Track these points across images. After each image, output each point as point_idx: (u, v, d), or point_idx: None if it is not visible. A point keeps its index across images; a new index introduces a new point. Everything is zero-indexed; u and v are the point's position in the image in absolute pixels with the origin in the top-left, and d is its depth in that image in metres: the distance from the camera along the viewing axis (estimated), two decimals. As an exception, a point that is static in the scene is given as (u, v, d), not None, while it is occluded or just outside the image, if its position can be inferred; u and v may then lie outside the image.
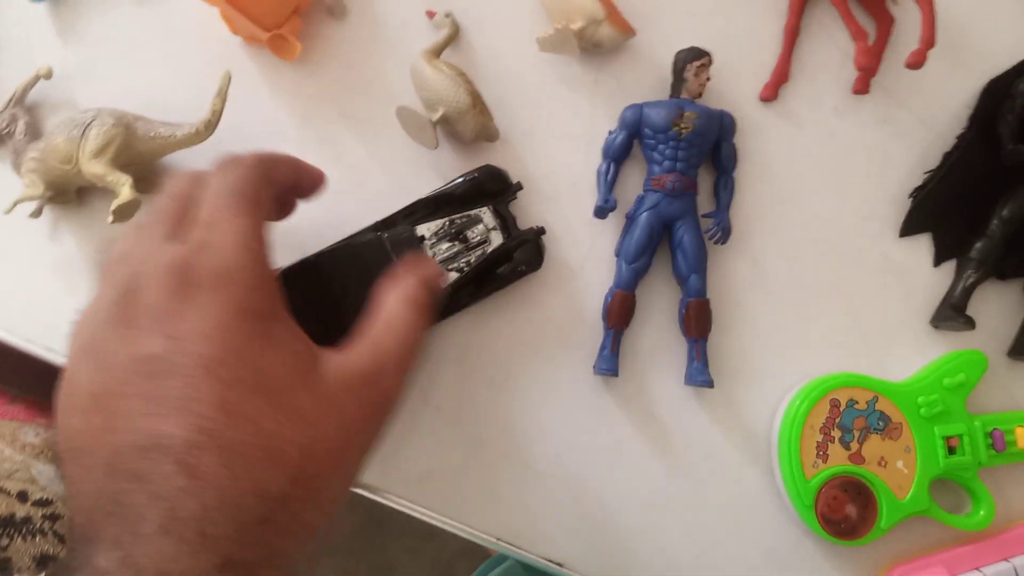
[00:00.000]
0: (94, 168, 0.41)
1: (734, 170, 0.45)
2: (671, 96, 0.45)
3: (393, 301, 0.34)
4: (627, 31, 0.45)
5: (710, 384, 0.43)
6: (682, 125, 0.43)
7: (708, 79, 0.44)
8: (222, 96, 0.41)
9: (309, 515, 0.27)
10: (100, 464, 0.25)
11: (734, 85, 0.47)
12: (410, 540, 1.32)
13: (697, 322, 0.44)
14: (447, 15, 0.45)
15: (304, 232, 0.43)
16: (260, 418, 0.26)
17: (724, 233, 0.44)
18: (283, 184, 0.36)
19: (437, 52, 0.44)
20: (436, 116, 0.42)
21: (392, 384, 0.32)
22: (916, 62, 0.43)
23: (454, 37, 0.45)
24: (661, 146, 0.44)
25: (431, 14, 0.46)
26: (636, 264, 0.44)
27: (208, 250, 0.29)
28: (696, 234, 0.44)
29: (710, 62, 0.44)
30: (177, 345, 0.26)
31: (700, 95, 0.44)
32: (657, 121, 0.43)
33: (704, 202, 0.46)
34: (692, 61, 0.44)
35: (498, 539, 0.44)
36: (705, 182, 0.46)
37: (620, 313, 0.44)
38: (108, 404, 0.26)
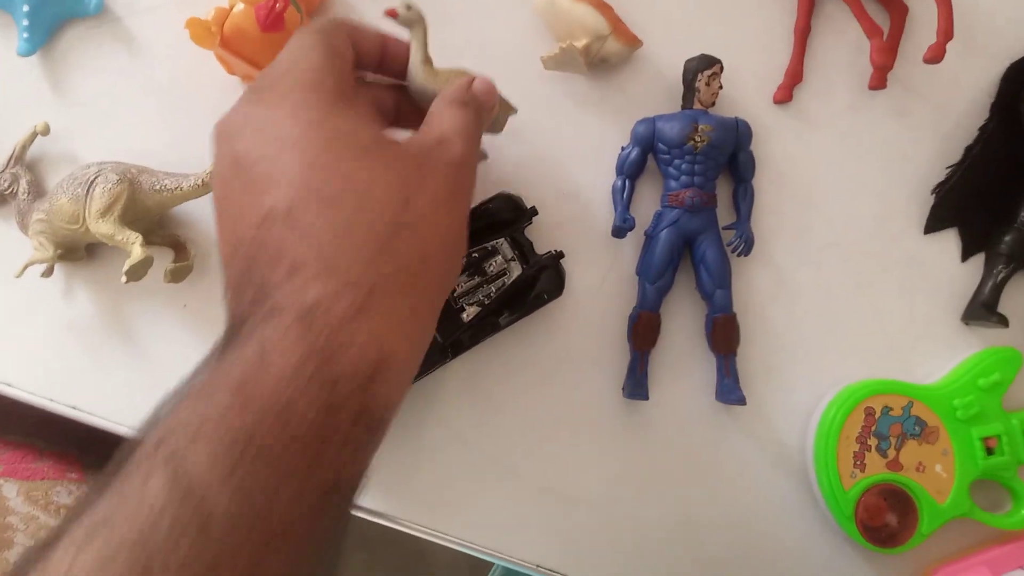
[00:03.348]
0: (102, 228, 0.40)
1: (752, 178, 0.44)
2: (683, 107, 0.44)
3: (437, 103, 0.34)
4: (634, 43, 0.44)
5: (743, 401, 0.42)
6: (697, 139, 0.42)
7: (720, 87, 0.43)
8: (226, 146, 0.40)
9: (418, 245, 0.28)
10: (232, 252, 0.28)
11: (746, 90, 0.45)
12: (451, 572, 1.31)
13: (725, 338, 0.43)
14: (408, 7, 0.36)
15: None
16: (353, 173, 0.28)
17: (747, 245, 0.43)
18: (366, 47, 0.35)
19: (426, 56, 0.37)
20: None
21: (461, 150, 0.32)
22: (935, 56, 0.42)
23: (425, 27, 0.37)
24: (677, 161, 0.43)
25: (392, 13, 0.36)
26: (659, 283, 0.43)
27: (274, 62, 0.31)
28: (719, 248, 0.43)
29: (721, 70, 0.43)
30: (259, 135, 0.29)
31: (713, 104, 0.43)
32: (671, 136, 0.42)
33: (722, 211, 0.45)
34: (703, 70, 0.43)
35: (537, 566, 0.44)
36: (723, 191, 0.45)
37: (646, 334, 0.43)
38: (224, 207, 0.29)
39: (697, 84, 0.43)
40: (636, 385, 0.43)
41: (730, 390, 0.43)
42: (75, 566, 0.20)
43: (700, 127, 0.42)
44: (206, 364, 0.25)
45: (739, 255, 0.43)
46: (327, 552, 0.25)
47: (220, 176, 0.30)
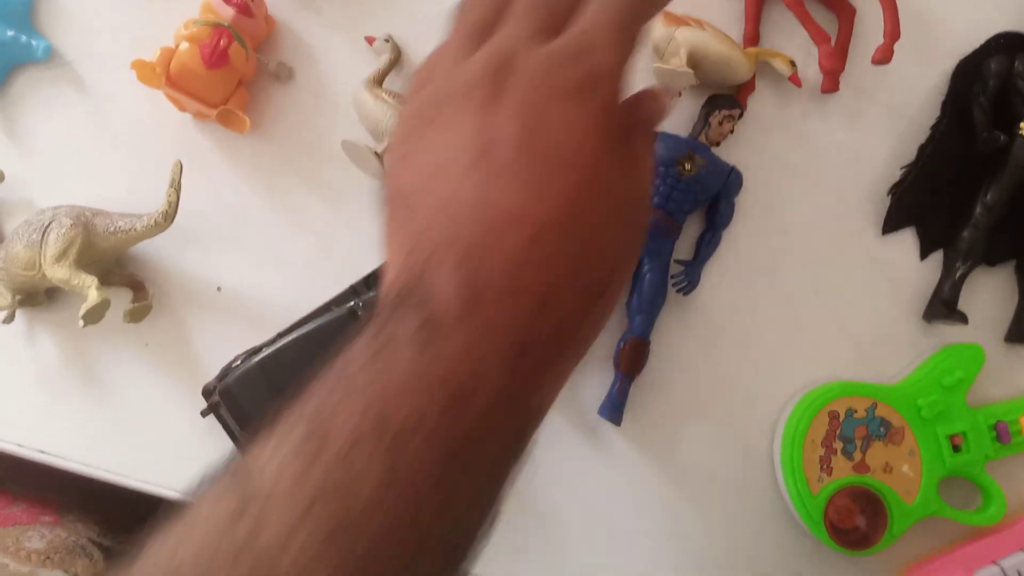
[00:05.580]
0: (58, 273, 0.40)
1: (724, 229, 0.44)
2: (690, 135, 0.44)
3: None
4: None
5: (618, 423, 0.42)
6: (687, 165, 0.42)
7: (731, 131, 0.43)
8: (175, 186, 0.40)
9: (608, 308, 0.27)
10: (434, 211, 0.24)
11: (698, 99, 0.46)
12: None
13: (630, 360, 0.42)
14: (387, 39, 0.43)
15: (278, 304, 0.42)
16: (598, 223, 0.25)
17: (690, 286, 0.43)
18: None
19: (379, 80, 0.43)
20: (381, 147, 0.41)
21: None
22: (883, 58, 0.42)
23: (396, 61, 0.43)
24: (661, 179, 0.42)
25: (370, 40, 0.44)
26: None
27: (586, 54, 0.26)
28: (660, 277, 0.43)
29: (740, 116, 0.43)
30: (530, 132, 0.25)
31: (718, 144, 0.43)
32: (663, 153, 0.42)
33: (681, 245, 0.44)
34: (721, 109, 0.42)
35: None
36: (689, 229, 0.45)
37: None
38: (443, 169, 0.25)
39: (711, 119, 0.43)
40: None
41: (610, 408, 0.42)
42: (279, 461, 0.21)
43: (695, 156, 0.42)
44: (404, 342, 0.23)
45: (678, 292, 0.43)
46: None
47: (465, 135, 0.26)
